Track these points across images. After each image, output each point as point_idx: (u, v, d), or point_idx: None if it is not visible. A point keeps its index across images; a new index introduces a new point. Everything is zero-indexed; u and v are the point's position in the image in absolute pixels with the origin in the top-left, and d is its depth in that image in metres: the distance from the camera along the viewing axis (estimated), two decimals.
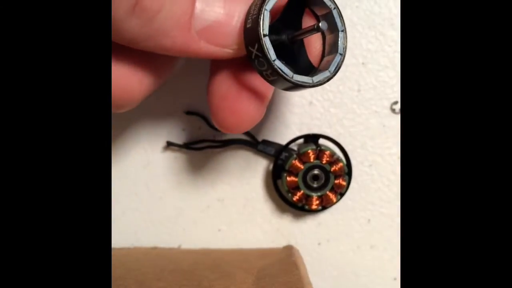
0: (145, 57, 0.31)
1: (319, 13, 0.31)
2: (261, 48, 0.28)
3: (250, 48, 0.29)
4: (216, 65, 0.34)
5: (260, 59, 0.29)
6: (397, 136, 0.47)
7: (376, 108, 0.47)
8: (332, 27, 0.30)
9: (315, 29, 0.29)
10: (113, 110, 0.32)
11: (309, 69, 0.32)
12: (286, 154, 0.47)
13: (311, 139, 0.47)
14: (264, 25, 0.28)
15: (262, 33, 0.28)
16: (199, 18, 0.29)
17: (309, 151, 0.45)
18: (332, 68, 0.30)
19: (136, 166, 0.48)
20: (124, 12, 0.27)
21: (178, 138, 0.48)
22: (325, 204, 0.46)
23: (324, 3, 0.30)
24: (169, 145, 0.48)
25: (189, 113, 0.47)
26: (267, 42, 0.28)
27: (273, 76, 0.29)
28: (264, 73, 0.30)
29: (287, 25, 0.31)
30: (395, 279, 0.49)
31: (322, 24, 0.28)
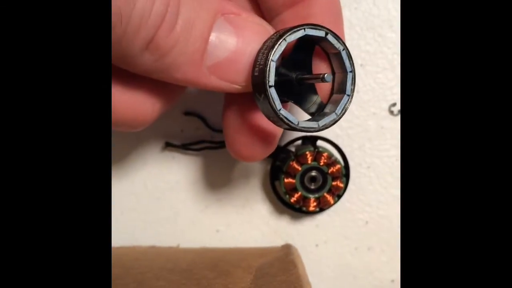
0: (159, 83, 0.31)
1: (329, 51, 0.31)
2: (267, 99, 0.29)
3: (257, 95, 0.30)
4: (230, 97, 0.35)
5: (267, 106, 0.29)
6: (396, 138, 0.47)
7: (375, 110, 0.47)
8: (341, 67, 0.31)
9: (321, 79, 0.29)
10: (127, 130, 0.33)
11: (318, 105, 0.32)
12: (284, 155, 0.47)
13: (309, 140, 0.47)
14: (270, 77, 0.28)
15: (268, 85, 0.28)
16: (211, 54, 0.30)
17: (307, 152, 0.45)
18: (338, 110, 0.30)
19: (135, 166, 0.48)
20: (138, 49, 0.28)
21: (177, 138, 0.48)
22: (322, 206, 0.46)
23: (333, 44, 0.30)
24: (168, 145, 0.48)
25: (187, 113, 0.48)
26: (273, 93, 0.29)
27: (278, 123, 0.30)
28: (271, 119, 0.30)
29: (297, 61, 0.31)
30: (392, 281, 0.49)
31: (327, 77, 0.29)
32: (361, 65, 0.47)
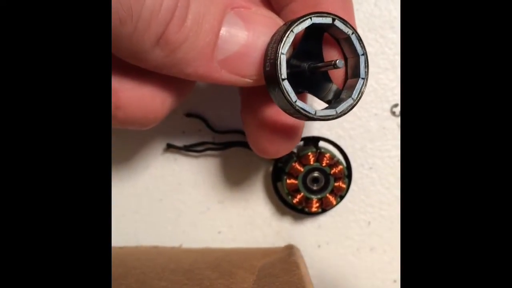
0: (168, 80, 0.31)
1: (338, 36, 0.31)
2: (281, 92, 0.29)
3: (271, 89, 0.30)
4: (247, 94, 0.35)
5: (282, 100, 0.29)
6: (397, 138, 0.47)
7: (376, 111, 0.47)
8: (352, 51, 0.31)
9: (333, 65, 0.29)
10: (138, 128, 0.33)
11: (334, 92, 0.32)
12: (286, 156, 0.47)
13: (311, 141, 0.47)
14: (282, 70, 0.28)
15: (281, 78, 0.28)
16: (221, 48, 0.30)
17: (309, 153, 0.45)
18: (355, 95, 0.30)
19: (136, 168, 0.48)
20: (149, 44, 0.28)
21: (178, 140, 0.48)
22: (325, 207, 0.46)
23: (341, 30, 0.30)
24: (169, 147, 0.48)
25: (189, 115, 0.48)
26: (286, 85, 0.29)
27: (296, 115, 0.30)
28: (288, 112, 0.30)
29: (308, 51, 0.31)
30: (395, 281, 0.49)
31: (339, 62, 0.29)
32: None
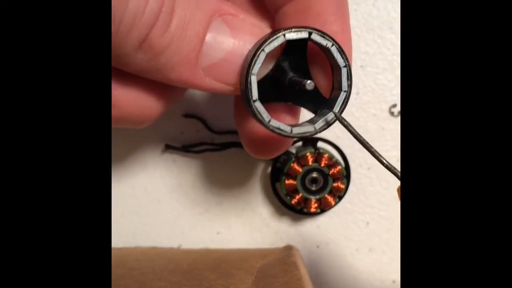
0: None
1: (321, 47, 0.30)
2: (253, 113, 0.28)
3: (247, 108, 0.29)
4: (238, 96, 0.34)
5: (257, 120, 0.29)
6: (396, 139, 0.47)
7: (375, 111, 0.47)
8: (334, 62, 0.30)
9: (303, 85, 0.29)
10: (133, 127, 0.33)
11: (320, 102, 0.31)
12: (285, 157, 0.47)
13: (310, 142, 0.47)
14: (253, 91, 0.28)
15: (251, 99, 0.28)
16: (206, 55, 0.29)
17: (308, 154, 0.45)
18: (336, 108, 0.30)
19: (135, 169, 0.48)
20: (131, 48, 0.28)
21: (177, 141, 0.48)
22: (323, 207, 0.46)
23: (320, 43, 0.29)
24: (168, 148, 0.48)
25: (187, 116, 0.47)
26: (258, 106, 0.28)
27: (274, 132, 0.29)
28: (265, 127, 0.29)
29: (293, 61, 0.30)
30: (394, 281, 0.49)
31: (308, 84, 0.28)
32: (361, 66, 0.47)
